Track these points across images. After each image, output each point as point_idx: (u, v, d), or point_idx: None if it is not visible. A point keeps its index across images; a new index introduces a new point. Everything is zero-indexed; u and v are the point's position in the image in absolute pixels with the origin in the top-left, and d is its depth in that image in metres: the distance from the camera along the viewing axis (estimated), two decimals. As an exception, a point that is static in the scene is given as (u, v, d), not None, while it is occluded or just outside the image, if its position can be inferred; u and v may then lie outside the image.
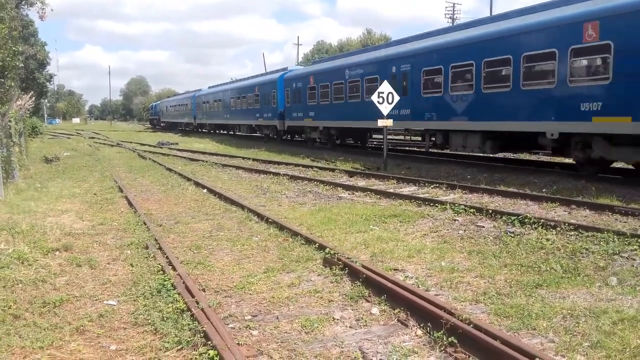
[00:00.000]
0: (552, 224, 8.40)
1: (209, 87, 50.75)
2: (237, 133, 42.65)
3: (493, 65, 15.65)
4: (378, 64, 21.70)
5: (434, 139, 19.12)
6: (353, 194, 12.79)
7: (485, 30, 16.46)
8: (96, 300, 5.85)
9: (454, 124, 17.43)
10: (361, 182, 14.64)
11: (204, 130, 50.62)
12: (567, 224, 8.26)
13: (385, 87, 17.17)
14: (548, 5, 14.79)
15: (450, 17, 61.45)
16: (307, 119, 27.96)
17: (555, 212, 9.83)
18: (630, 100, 11.89)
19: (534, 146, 15.71)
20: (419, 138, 24.87)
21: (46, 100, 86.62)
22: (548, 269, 6.47)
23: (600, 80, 12.59)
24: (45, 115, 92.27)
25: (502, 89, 15.34)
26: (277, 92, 31.20)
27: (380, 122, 17.29)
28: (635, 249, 7.07)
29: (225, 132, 45.44)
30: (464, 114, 16.88)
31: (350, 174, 16.30)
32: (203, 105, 48.69)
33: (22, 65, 30.45)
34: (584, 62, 13.22)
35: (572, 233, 7.95)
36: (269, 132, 34.36)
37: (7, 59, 16.40)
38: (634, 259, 6.75)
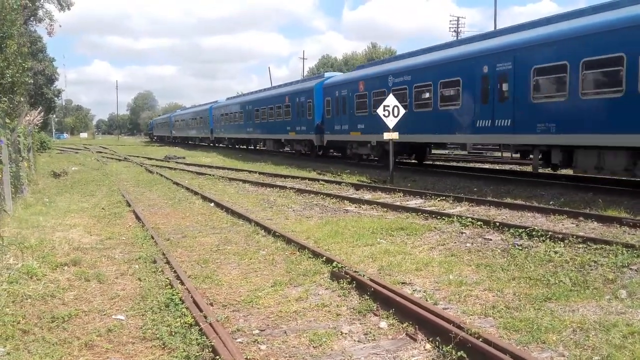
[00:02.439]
0: (560, 236, 8.35)
1: (180, 110, 74.55)
2: (193, 143, 60.06)
3: (271, 109, 34.23)
4: (243, 104, 40.77)
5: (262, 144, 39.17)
6: (359, 207, 12.80)
7: (271, 93, 35.91)
8: (104, 314, 5.86)
9: (261, 136, 36.89)
10: (367, 195, 14.63)
11: (177, 141, 68.18)
12: (575, 237, 8.21)
13: (391, 100, 17.20)
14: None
15: (454, 31, 61.64)
16: (222, 133, 46.91)
17: (563, 225, 9.79)
18: (313, 127, 27.78)
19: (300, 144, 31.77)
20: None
21: (54, 116, 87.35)
22: (557, 282, 6.43)
23: (309, 115, 28.38)
24: (54, 130, 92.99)
25: (276, 119, 33.34)
26: (209, 116, 50.45)
27: (387, 135, 17.30)
28: (645, 262, 7.02)
29: (190, 142, 62.27)
30: (267, 131, 35.07)
31: (357, 187, 16.31)
32: (176, 123, 67.72)
33: (31, 81, 30.77)
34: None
35: (581, 245, 7.92)
36: (208, 142, 53.60)
37: (17, 74, 16.60)
38: (644, 272, 6.70)
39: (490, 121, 15.76)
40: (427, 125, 18.92)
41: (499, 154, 25.66)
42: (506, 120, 15.29)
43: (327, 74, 29.75)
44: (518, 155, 17.22)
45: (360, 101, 23.15)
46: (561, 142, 13.82)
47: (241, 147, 44.51)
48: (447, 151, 32.03)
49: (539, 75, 14.20)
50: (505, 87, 15.26)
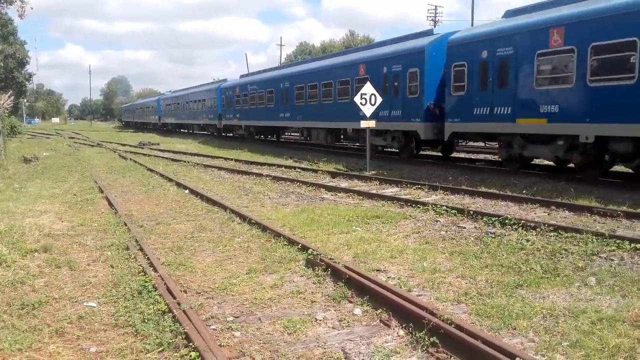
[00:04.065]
0: (532, 224, 8.49)
1: (141, 99, 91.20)
2: (148, 127, 71.04)
3: (195, 102, 47.62)
4: (179, 97, 53.67)
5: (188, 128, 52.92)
6: (336, 195, 12.81)
7: (196, 90, 48.70)
8: (76, 301, 5.77)
9: (190, 121, 49.62)
10: (344, 183, 14.67)
11: (137, 125, 78.81)
12: (547, 225, 8.36)
13: (368, 88, 17.22)
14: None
15: (432, 20, 61.84)
16: (166, 119, 59.23)
17: (535, 213, 9.95)
18: (217, 115, 40.54)
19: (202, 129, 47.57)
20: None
21: (25, 100, 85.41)
22: (528, 269, 6.54)
23: (215, 107, 40.88)
24: (24, 115, 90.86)
25: (197, 109, 46.38)
26: (158, 106, 62.91)
27: (363, 124, 17.34)
28: (614, 250, 7.19)
29: (145, 126, 72.90)
30: (193, 118, 47.92)
31: (333, 175, 16.32)
32: (136, 110, 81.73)
33: (2, 64, 29.95)
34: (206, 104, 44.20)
35: (552, 234, 8.06)
36: (156, 127, 64.10)
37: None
38: (612, 260, 6.86)
39: (282, 114, 28.94)
40: (263, 116, 31.83)
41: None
42: (287, 114, 28.32)
43: (228, 79, 43.55)
44: (299, 134, 30.98)
45: (237, 99, 36.05)
46: (305, 126, 26.73)
47: (180, 130, 56.83)
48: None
49: (297, 90, 26.94)
50: (286, 96, 28.34)
